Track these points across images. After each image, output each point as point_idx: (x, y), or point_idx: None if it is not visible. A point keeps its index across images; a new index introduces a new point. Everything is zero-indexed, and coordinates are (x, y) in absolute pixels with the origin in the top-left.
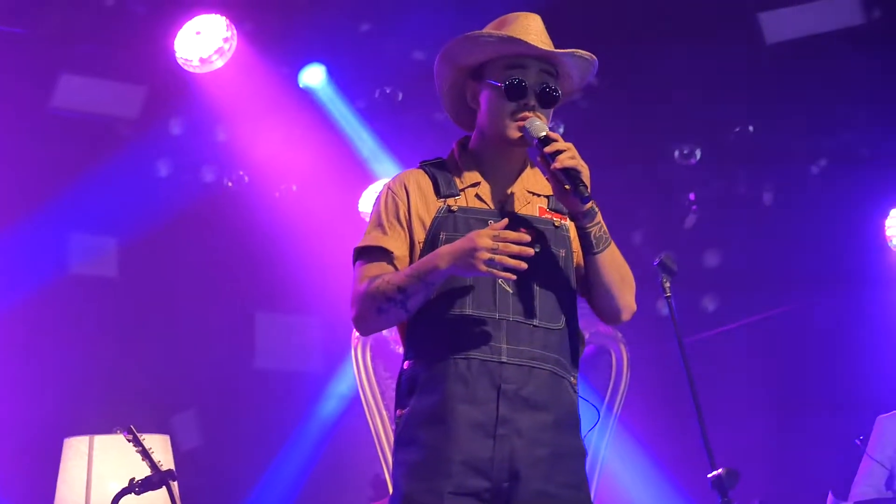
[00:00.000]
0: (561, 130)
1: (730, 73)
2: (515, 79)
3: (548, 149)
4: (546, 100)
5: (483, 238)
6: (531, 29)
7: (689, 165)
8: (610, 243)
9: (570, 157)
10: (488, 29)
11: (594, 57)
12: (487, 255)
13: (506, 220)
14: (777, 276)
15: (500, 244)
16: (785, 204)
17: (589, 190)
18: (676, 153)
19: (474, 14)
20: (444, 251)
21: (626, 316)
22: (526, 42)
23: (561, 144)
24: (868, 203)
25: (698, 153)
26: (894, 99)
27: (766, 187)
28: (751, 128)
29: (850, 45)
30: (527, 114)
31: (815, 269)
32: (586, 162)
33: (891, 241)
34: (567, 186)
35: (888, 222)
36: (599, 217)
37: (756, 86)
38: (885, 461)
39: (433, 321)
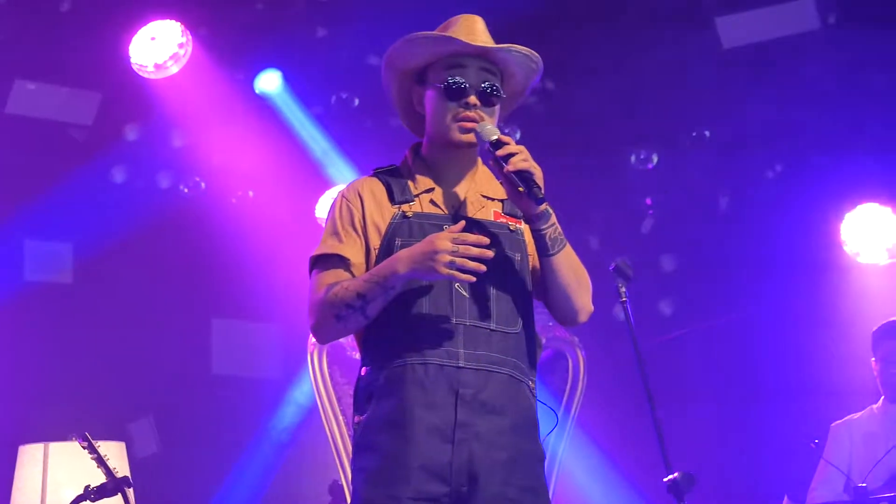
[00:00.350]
0: (518, 136)
1: (687, 78)
2: (454, 78)
3: (500, 152)
4: (487, 99)
5: (442, 241)
6: (473, 29)
7: (646, 170)
8: (565, 245)
9: (522, 159)
10: (424, 32)
11: (534, 52)
12: (448, 258)
13: (463, 223)
14: (733, 280)
15: (460, 247)
16: (741, 208)
17: (543, 192)
18: (633, 158)
19: (431, 19)
20: (403, 255)
21: (582, 317)
22: (460, 40)
23: (513, 147)
24: (823, 207)
25: (655, 158)
26: (849, 104)
27: (722, 192)
28: (707, 132)
29: (806, 50)
30: (468, 113)
31: (770, 272)
32: (541, 165)
33: (845, 244)
34: (521, 189)
35: (843, 226)
36: (554, 219)
37: (712, 90)
38: (842, 467)
39: (390, 326)
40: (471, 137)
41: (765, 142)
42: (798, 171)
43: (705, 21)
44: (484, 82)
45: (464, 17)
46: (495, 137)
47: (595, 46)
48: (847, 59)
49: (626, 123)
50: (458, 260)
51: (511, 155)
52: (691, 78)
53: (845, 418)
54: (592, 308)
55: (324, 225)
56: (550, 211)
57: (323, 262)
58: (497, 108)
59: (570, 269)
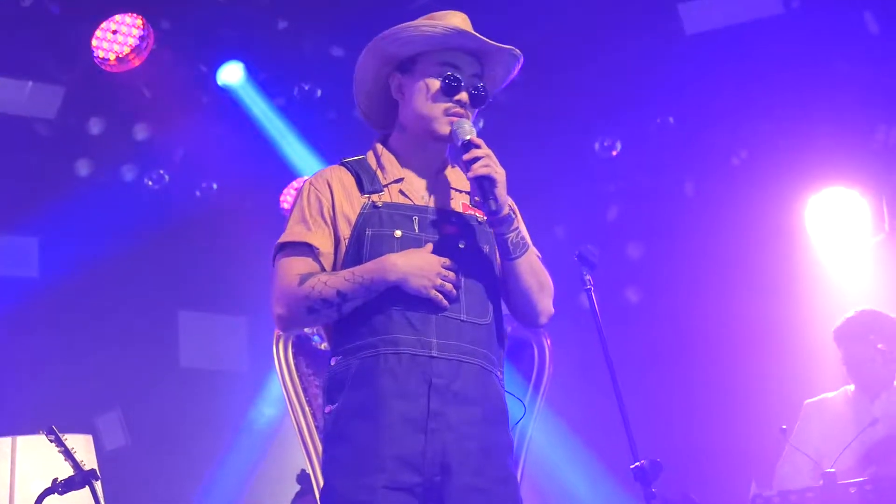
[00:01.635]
0: (481, 125)
1: (650, 64)
2: (454, 76)
3: (466, 156)
4: (477, 100)
5: (437, 264)
6: (468, 27)
7: (611, 157)
8: (527, 249)
9: (483, 165)
10: (423, 21)
11: (520, 55)
12: (439, 281)
13: (438, 256)
14: (699, 266)
15: (450, 273)
16: (706, 195)
17: (498, 202)
18: (597, 145)
19: (391, 12)
20: (397, 264)
21: (542, 319)
22: (475, 35)
23: (479, 152)
24: (789, 191)
25: (619, 145)
26: (812, 89)
27: (687, 178)
28: (671, 119)
29: (768, 36)
30: (459, 110)
31: (736, 258)
32: (505, 154)
33: (811, 228)
34: (477, 198)
35: (808, 210)
36: (518, 223)
37: (676, 77)
38: (810, 449)
39: (363, 317)
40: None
41: (729, 127)
42: (763, 156)
43: (669, 7)
44: (477, 83)
45: (454, 14)
46: (468, 138)
47: (558, 33)
48: (810, 42)
49: (590, 111)
50: (448, 286)
51: (475, 160)
52: (655, 64)
53: (819, 396)
54: (553, 310)
55: (288, 212)
56: (514, 215)
57: (290, 249)
58: None
59: (532, 273)
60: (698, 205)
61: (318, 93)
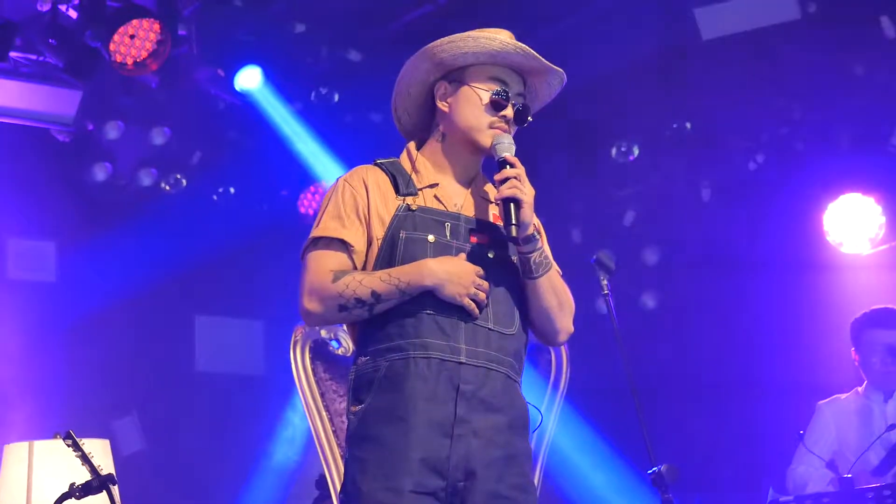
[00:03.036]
0: None
1: (666, 69)
2: (503, 92)
3: (497, 176)
4: (520, 118)
5: (473, 272)
6: (514, 41)
7: (627, 162)
8: (550, 268)
9: (510, 186)
10: (480, 34)
11: (565, 79)
12: (473, 290)
13: (478, 268)
14: (715, 272)
15: (484, 283)
16: (723, 199)
17: (522, 225)
18: (614, 151)
19: (408, 16)
20: (435, 270)
21: (562, 338)
22: (533, 54)
23: (509, 172)
24: (805, 198)
25: (636, 150)
26: (829, 93)
27: (703, 183)
28: (688, 124)
29: (785, 40)
30: (504, 125)
31: (753, 262)
32: (523, 159)
33: (828, 234)
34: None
35: (826, 217)
36: (542, 243)
37: (693, 82)
38: (824, 450)
39: (393, 318)
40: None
41: (746, 133)
42: (780, 162)
43: (685, 11)
44: (521, 102)
45: (502, 31)
46: (504, 156)
47: (576, 38)
48: (827, 48)
49: (607, 116)
50: (480, 295)
51: (505, 181)
52: (671, 69)
53: (832, 397)
54: (573, 329)
55: (316, 211)
56: (537, 236)
57: (323, 244)
58: None
59: (553, 292)
60: (714, 210)
61: (336, 97)
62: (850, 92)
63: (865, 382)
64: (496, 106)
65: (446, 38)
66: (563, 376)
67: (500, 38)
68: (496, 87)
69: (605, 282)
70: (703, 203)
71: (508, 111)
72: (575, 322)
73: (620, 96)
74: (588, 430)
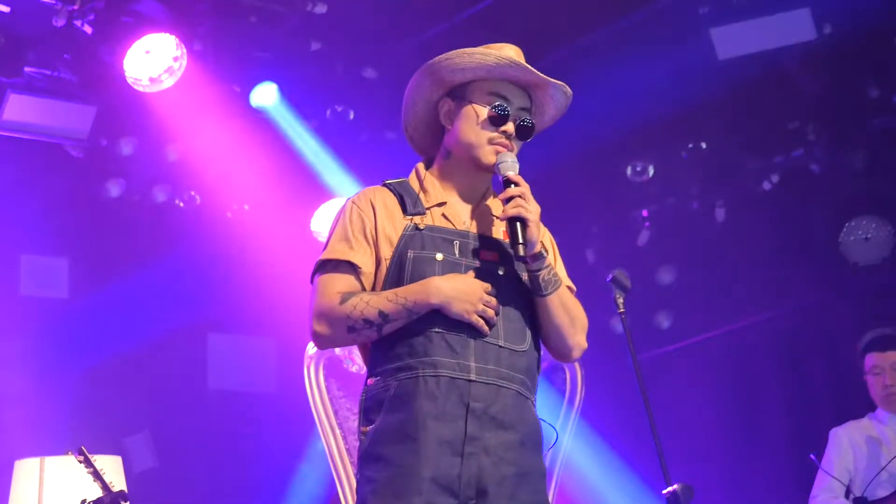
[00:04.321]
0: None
1: (682, 89)
2: (502, 106)
3: (501, 195)
4: (523, 133)
5: (481, 290)
6: (521, 58)
7: (642, 182)
8: (559, 286)
9: (514, 206)
10: (478, 49)
11: (571, 94)
12: (482, 307)
13: (488, 286)
14: (730, 292)
15: (493, 299)
16: (737, 220)
17: (529, 244)
18: (629, 170)
19: (422, 33)
20: (441, 288)
21: (576, 354)
22: (527, 67)
23: (514, 191)
24: (820, 218)
25: (651, 169)
26: (844, 114)
27: (718, 203)
28: (703, 144)
29: (801, 61)
30: (505, 141)
31: (767, 283)
32: (536, 179)
33: (845, 255)
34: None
35: (841, 237)
36: (550, 259)
37: (708, 101)
38: (843, 474)
39: (402, 338)
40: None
41: (761, 152)
42: (795, 181)
43: (701, 31)
44: (524, 117)
45: (509, 46)
46: (508, 174)
47: (591, 58)
48: (843, 69)
49: (622, 135)
50: (489, 311)
51: (510, 199)
52: (687, 88)
53: (846, 424)
54: (586, 345)
55: (321, 236)
56: (545, 253)
57: (331, 267)
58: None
59: (564, 309)
60: (729, 230)
61: (351, 114)
62: (865, 113)
63: (878, 407)
64: (495, 121)
65: (444, 54)
66: (579, 394)
67: (495, 53)
68: (495, 103)
69: (620, 300)
70: (718, 222)
71: (509, 126)
72: (590, 341)
73: (635, 116)
74: (603, 448)
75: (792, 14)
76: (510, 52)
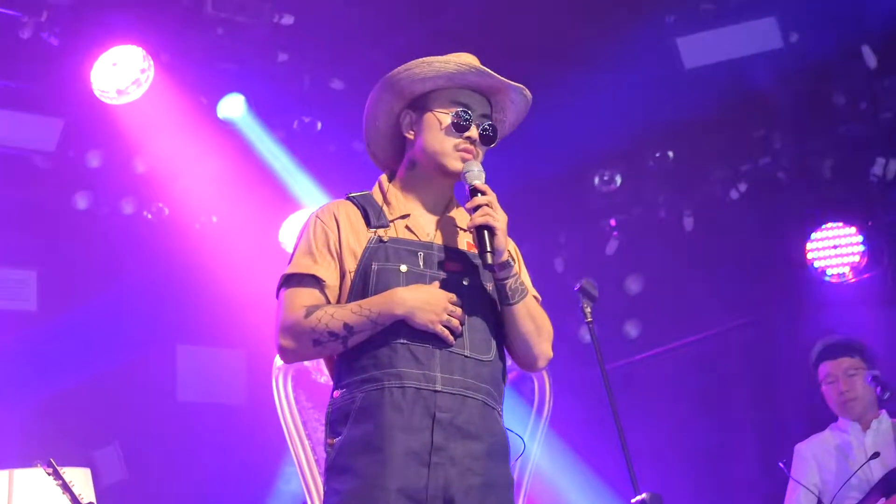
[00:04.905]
0: (480, 157)
1: (649, 98)
2: (465, 112)
3: (468, 204)
4: (486, 139)
5: (445, 300)
6: (477, 65)
7: (610, 191)
8: (526, 295)
9: (482, 214)
10: (435, 58)
11: (531, 97)
12: (446, 316)
13: (453, 296)
14: (698, 301)
15: (457, 309)
16: (705, 228)
17: (497, 252)
18: (597, 179)
19: (392, 44)
20: (405, 299)
21: (541, 363)
22: (487, 72)
23: (480, 199)
24: (787, 226)
25: (619, 179)
26: (811, 122)
27: (685, 212)
28: (670, 153)
29: (767, 69)
30: (469, 146)
31: (736, 292)
32: (503, 189)
33: (813, 263)
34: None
35: (810, 245)
36: (517, 268)
37: (675, 110)
38: (812, 487)
39: (367, 350)
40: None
41: (728, 161)
42: (762, 190)
43: (667, 41)
44: (486, 122)
45: (465, 54)
46: (475, 183)
47: (558, 68)
48: (809, 78)
49: (590, 144)
50: (455, 322)
51: (476, 209)
52: (654, 97)
53: (809, 438)
54: (551, 355)
55: (289, 248)
56: (512, 262)
57: (296, 281)
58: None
59: (530, 318)
60: (697, 239)
61: (319, 126)
62: (832, 120)
63: (838, 416)
64: (458, 128)
65: (403, 66)
66: (547, 404)
67: (455, 60)
68: (457, 110)
69: (588, 309)
70: (686, 231)
71: (472, 132)
72: (559, 350)
73: (603, 124)
74: (572, 458)
75: (758, 23)
76: (468, 59)
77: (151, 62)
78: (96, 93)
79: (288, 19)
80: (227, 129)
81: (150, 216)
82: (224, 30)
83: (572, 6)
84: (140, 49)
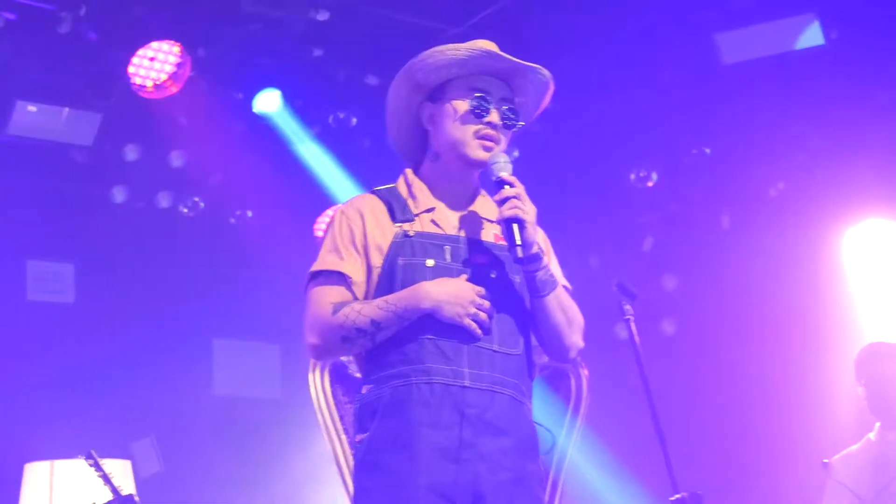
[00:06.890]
0: (515, 155)
1: (687, 95)
2: (482, 97)
3: (496, 197)
4: (508, 122)
5: (472, 292)
6: (496, 49)
7: (646, 188)
8: (556, 286)
9: (510, 207)
10: (448, 46)
11: (550, 76)
12: (473, 309)
13: (481, 289)
14: (735, 298)
15: (485, 302)
16: (743, 226)
17: (526, 244)
18: (633, 176)
19: (427, 39)
20: (431, 292)
21: (572, 354)
22: (501, 54)
23: (508, 192)
24: (826, 224)
25: (655, 176)
26: (849, 119)
27: (723, 210)
28: (707, 150)
29: (806, 66)
30: (490, 132)
31: (773, 289)
32: (539, 186)
33: (848, 259)
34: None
35: (844, 242)
36: (547, 259)
37: (713, 107)
38: (850, 494)
39: (395, 345)
40: (487, 156)
41: (766, 158)
42: (801, 187)
43: (706, 37)
44: (506, 106)
45: (481, 40)
46: (501, 175)
47: (594, 64)
48: (850, 74)
49: (626, 141)
50: (482, 315)
51: (505, 200)
52: (691, 94)
53: (842, 452)
54: (582, 345)
55: (321, 241)
56: (542, 254)
57: (323, 278)
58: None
59: (561, 310)
60: (735, 236)
61: (353, 121)
62: (872, 117)
63: (878, 425)
64: (477, 114)
65: (418, 56)
66: (583, 401)
67: (466, 47)
68: (475, 95)
69: (627, 307)
70: (723, 229)
71: (493, 116)
72: (596, 349)
73: (640, 121)
74: (609, 456)
75: (797, 19)
76: (482, 44)
77: (188, 57)
78: (134, 88)
79: (323, 15)
80: (263, 124)
81: (186, 210)
82: (260, 25)
83: (610, 2)
84: (177, 44)
